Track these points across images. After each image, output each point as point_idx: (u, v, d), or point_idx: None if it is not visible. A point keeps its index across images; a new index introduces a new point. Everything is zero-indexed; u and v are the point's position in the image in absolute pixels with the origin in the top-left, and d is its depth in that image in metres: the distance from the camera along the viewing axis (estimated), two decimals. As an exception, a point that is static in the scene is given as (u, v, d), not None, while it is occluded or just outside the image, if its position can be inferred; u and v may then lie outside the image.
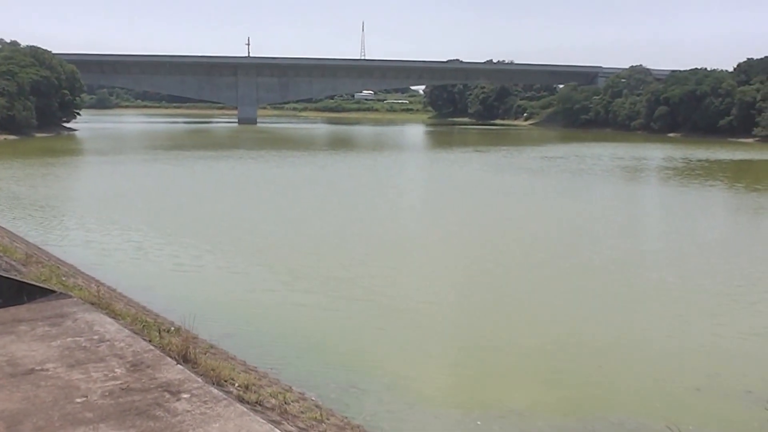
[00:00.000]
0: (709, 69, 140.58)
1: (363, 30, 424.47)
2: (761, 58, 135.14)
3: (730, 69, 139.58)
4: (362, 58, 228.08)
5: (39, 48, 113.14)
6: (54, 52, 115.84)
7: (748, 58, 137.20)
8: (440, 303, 20.72)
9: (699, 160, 77.11)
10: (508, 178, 56.99)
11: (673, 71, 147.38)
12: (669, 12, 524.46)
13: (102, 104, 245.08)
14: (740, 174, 65.79)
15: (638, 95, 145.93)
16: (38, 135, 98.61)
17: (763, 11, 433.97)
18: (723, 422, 12.64)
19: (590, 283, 22.98)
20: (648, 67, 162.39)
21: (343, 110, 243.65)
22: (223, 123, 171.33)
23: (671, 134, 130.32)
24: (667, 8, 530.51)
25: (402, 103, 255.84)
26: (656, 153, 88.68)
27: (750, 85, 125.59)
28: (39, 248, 24.02)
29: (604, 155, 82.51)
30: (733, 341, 17.48)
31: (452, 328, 18.62)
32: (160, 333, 10.78)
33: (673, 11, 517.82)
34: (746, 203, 44.80)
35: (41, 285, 12.89)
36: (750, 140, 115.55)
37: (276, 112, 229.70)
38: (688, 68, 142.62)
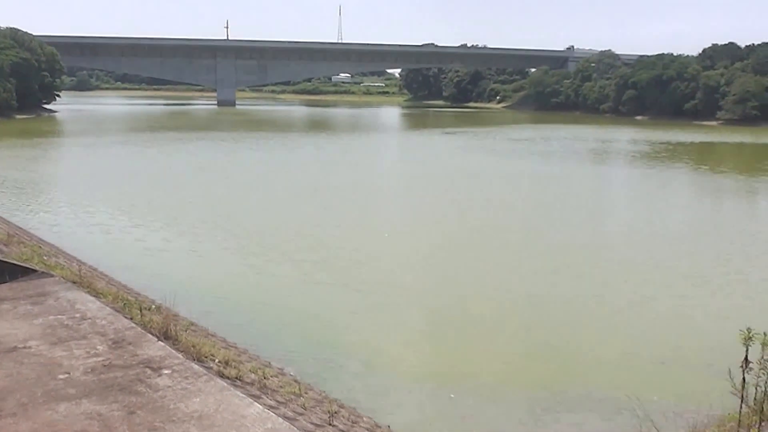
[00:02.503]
0: (675, 54, 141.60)
1: (340, 14, 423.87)
2: (725, 44, 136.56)
3: (696, 54, 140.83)
4: (339, 41, 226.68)
5: (19, 30, 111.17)
6: (34, 34, 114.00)
7: (713, 44, 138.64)
8: (414, 282, 20.80)
9: (662, 143, 77.68)
10: (477, 161, 57.15)
11: (641, 56, 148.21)
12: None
13: (82, 86, 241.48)
14: (704, 156, 66.44)
15: (607, 79, 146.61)
16: (18, 117, 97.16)
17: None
18: (685, 393, 12.84)
19: (560, 264, 23.09)
20: (617, 52, 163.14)
21: (321, 93, 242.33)
22: (203, 105, 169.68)
23: (638, 117, 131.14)
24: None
25: (378, 86, 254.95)
26: (624, 135, 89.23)
27: (714, 69, 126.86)
28: (20, 228, 23.75)
29: (573, 138, 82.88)
30: (698, 319, 17.72)
31: (426, 306, 18.71)
32: (141, 311, 10.71)
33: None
34: (712, 185, 45.22)
35: (23, 264, 12.77)
36: (714, 123, 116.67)
37: (254, 94, 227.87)
38: (655, 53, 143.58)
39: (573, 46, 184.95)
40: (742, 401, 7.10)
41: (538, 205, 35.08)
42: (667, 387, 13.42)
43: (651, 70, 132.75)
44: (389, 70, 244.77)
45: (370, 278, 20.71)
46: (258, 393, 8.54)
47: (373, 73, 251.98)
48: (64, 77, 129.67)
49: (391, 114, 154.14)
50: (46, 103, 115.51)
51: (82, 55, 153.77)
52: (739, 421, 7.21)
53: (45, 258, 15.38)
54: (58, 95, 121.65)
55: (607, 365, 14.64)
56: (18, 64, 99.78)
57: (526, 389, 13.29)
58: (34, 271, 12.56)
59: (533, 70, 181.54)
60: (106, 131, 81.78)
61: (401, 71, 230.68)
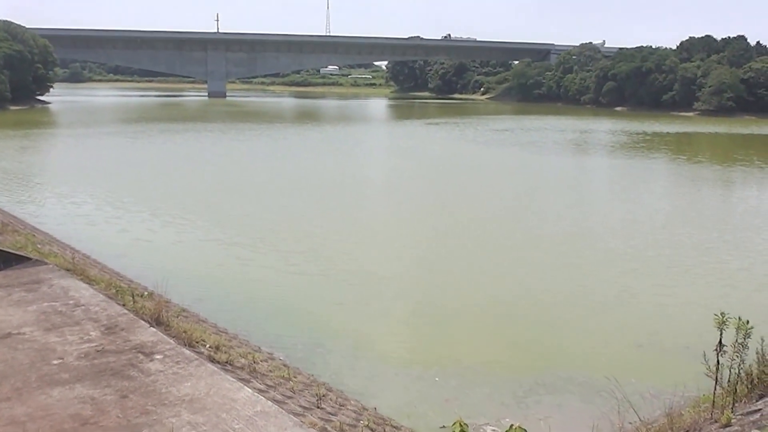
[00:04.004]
0: (653, 47, 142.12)
1: (328, 7, 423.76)
2: (702, 37, 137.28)
3: (673, 47, 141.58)
4: (327, 34, 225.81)
5: (12, 23, 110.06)
6: (27, 26, 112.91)
7: (690, 37, 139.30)
8: (400, 269, 20.79)
9: (641, 133, 77.98)
10: (458, 151, 57.13)
11: (621, 49, 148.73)
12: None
13: (75, 78, 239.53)
14: (682, 146, 66.70)
15: (588, 71, 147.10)
16: (12, 108, 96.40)
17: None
18: (661, 374, 12.92)
19: (541, 252, 23.11)
20: (597, 44, 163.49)
21: (309, 84, 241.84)
22: (194, 97, 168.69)
23: (618, 108, 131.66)
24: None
25: (365, 78, 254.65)
26: (604, 126, 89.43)
27: (691, 62, 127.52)
28: (14, 217, 23.57)
29: (554, 128, 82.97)
30: (675, 305, 17.76)
31: (412, 293, 18.71)
32: (133, 297, 10.67)
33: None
34: (690, 175, 45.37)
35: (17, 252, 12.70)
36: (691, 114, 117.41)
37: (245, 86, 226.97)
38: (634, 46, 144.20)
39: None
40: (716, 383, 7.16)
41: (519, 196, 35.10)
42: (644, 369, 13.52)
43: (630, 63, 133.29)
44: (376, 63, 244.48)
45: (357, 268, 20.70)
46: (248, 377, 8.54)
47: (360, 66, 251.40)
48: (57, 69, 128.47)
49: (377, 105, 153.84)
50: (39, 95, 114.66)
51: (74, 48, 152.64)
52: (713, 402, 7.27)
53: (39, 246, 15.28)
54: (52, 87, 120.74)
55: (588, 349, 14.71)
56: (11, 56, 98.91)
57: (508, 373, 13.35)
58: (28, 258, 12.49)
59: (516, 62, 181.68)
60: (99, 122, 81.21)
61: (388, 63, 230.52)
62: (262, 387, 8.32)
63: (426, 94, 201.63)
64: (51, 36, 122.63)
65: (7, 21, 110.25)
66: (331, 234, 24.96)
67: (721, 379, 7.14)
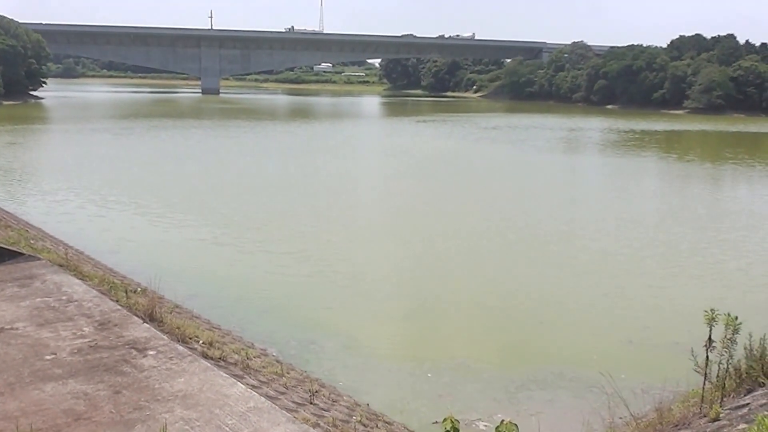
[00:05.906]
0: (644, 45, 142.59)
1: (321, 5, 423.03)
2: (692, 35, 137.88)
3: (664, 45, 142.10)
4: (321, 32, 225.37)
5: (5, 17, 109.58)
6: (20, 21, 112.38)
7: (681, 35, 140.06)
8: (392, 267, 20.78)
9: (628, 131, 78.11)
10: (449, 148, 57.13)
11: (612, 47, 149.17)
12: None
13: (68, 73, 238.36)
14: (672, 144, 66.88)
15: (579, 69, 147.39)
16: (5, 103, 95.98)
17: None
18: (652, 370, 12.95)
19: (533, 250, 23.12)
20: (588, 43, 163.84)
21: (303, 82, 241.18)
22: (187, 93, 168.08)
23: (609, 106, 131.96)
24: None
25: (359, 75, 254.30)
26: (595, 124, 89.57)
27: (681, 60, 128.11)
28: (7, 212, 23.44)
29: (546, 126, 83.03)
30: (665, 302, 17.78)
31: (404, 291, 18.69)
32: (126, 293, 10.64)
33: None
34: (681, 173, 45.48)
35: (10, 248, 12.62)
36: (681, 112, 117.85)
37: (238, 83, 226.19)
38: (625, 44, 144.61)
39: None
40: (705, 378, 7.19)
41: (509, 194, 35.09)
42: (635, 364, 13.57)
43: (621, 61, 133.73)
44: (369, 60, 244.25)
45: (349, 265, 20.68)
46: (241, 373, 8.52)
47: (353, 63, 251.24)
48: (50, 64, 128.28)
49: (370, 103, 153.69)
50: (32, 90, 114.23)
51: (68, 43, 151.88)
52: (702, 396, 7.30)
53: (32, 242, 15.22)
54: (45, 82, 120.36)
55: (579, 345, 14.74)
56: (4, 51, 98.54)
57: (501, 368, 13.37)
58: (21, 254, 12.43)
59: (508, 60, 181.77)
60: (92, 118, 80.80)
61: (381, 61, 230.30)
62: (255, 383, 8.30)
63: (419, 91, 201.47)
64: (44, 31, 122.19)
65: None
66: (322, 232, 24.90)
67: (709, 374, 7.17)
